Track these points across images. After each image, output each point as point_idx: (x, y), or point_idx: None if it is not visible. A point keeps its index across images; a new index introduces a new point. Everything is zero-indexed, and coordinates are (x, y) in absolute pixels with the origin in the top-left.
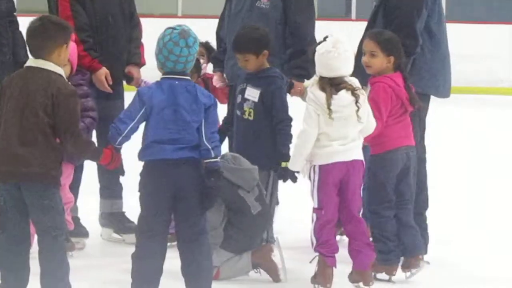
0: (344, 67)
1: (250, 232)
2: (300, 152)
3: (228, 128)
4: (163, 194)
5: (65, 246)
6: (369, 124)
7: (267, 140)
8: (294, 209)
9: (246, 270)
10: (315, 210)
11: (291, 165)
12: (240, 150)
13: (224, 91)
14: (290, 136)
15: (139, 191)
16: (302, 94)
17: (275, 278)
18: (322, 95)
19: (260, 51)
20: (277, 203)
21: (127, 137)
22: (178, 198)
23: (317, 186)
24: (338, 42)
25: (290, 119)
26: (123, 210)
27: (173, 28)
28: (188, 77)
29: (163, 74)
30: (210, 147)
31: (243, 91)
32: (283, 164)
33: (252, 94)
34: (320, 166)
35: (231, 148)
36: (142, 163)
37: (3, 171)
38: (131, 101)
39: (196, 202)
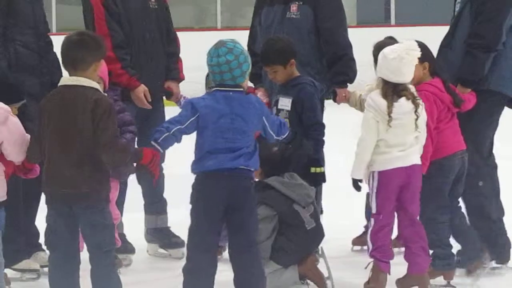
0: (411, 74)
1: (302, 247)
2: (360, 160)
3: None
4: (219, 205)
5: (115, 262)
6: (424, 132)
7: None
8: (338, 218)
9: (293, 281)
10: (373, 215)
11: (353, 174)
12: None
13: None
14: (321, 141)
15: (191, 203)
16: (348, 100)
17: (322, 287)
18: (383, 102)
19: (287, 61)
20: (321, 212)
21: (172, 137)
22: (232, 208)
23: (376, 191)
24: (411, 49)
25: (321, 124)
26: (168, 225)
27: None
28: (241, 89)
29: (215, 87)
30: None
31: (277, 102)
32: (313, 170)
33: (285, 103)
34: (380, 172)
35: None
36: (184, 177)
37: (52, 193)
38: (181, 110)
39: (249, 211)
